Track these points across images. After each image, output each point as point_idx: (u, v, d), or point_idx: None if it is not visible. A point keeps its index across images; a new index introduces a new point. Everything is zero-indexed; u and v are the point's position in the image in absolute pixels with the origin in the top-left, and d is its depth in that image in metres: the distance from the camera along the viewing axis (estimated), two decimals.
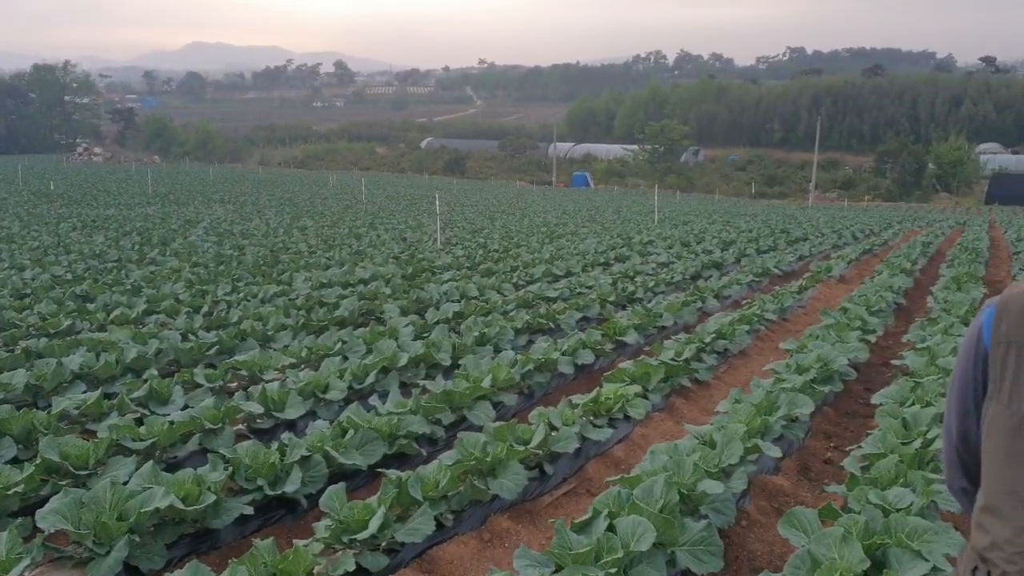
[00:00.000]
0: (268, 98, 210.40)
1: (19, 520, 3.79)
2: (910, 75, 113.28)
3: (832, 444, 5.95)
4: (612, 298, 10.86)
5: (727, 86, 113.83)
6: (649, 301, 11.04)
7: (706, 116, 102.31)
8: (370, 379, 6.49)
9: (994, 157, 70.69)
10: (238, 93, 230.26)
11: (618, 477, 4.27)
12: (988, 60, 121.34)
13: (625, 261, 15.89)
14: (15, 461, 4.70)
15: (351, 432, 4.97)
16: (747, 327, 8.91)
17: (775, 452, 4.97)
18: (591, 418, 5.68)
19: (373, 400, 5.91)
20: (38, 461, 4.31)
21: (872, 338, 8.49)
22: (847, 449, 5.44)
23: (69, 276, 12.33)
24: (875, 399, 6.18)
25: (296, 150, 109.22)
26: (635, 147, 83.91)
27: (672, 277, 13.08)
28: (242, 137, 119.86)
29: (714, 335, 8.14)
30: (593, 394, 5.93)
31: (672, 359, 7.10)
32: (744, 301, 11.58)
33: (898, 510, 3.78)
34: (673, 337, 8.33)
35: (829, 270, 14.25)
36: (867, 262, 17.47)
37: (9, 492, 4.00)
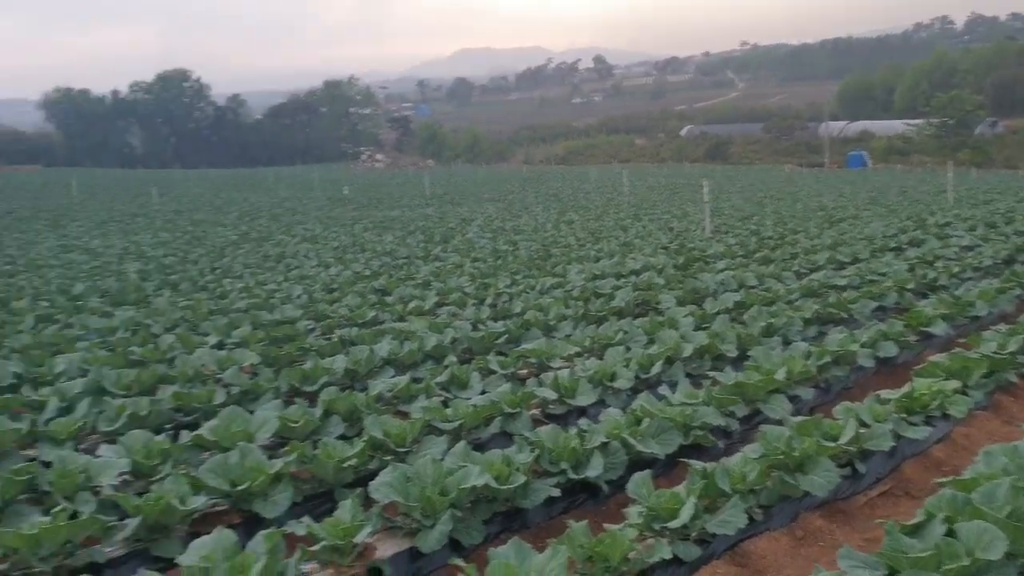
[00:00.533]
0: (530, 98, 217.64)
1: (358, 491, 4.13)
2: None
3: None
4: (910, 285, 9.97)
5: None
6: (955, 288, 10.00)
7: (1005, 83, 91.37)
8: (655, 369, 6.43)
9: None
10: (502, 95, 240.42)
11: (948, 479, 3.87)
12: None
13: (920, 245, 14.53)
14: (343, 437, 5.16)
15: (646, 421, 4.93)
16: None
17: None
18: (904, 415, 5.21)
19: (662, 390, 5.84)
20: (365, 438, 4.70)
21: None
22: None
23: (367, 272, 13.47)
24: None
25: (557, 147, 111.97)
26: (919, 121, 76.78)
27: (980, 262, 11.76)
28: (506, 138, 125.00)
29: None
30: (905, 389, 5.44)
31: (994, 352, 6.35)
32: None
33: None
34: (991, 328, 7.46)
35: None
36: None
37: (344, 465, 4.39)
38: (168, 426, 5.60)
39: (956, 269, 11.07)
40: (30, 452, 5.14)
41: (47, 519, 3.68)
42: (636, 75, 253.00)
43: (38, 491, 4.37)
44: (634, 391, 6.12)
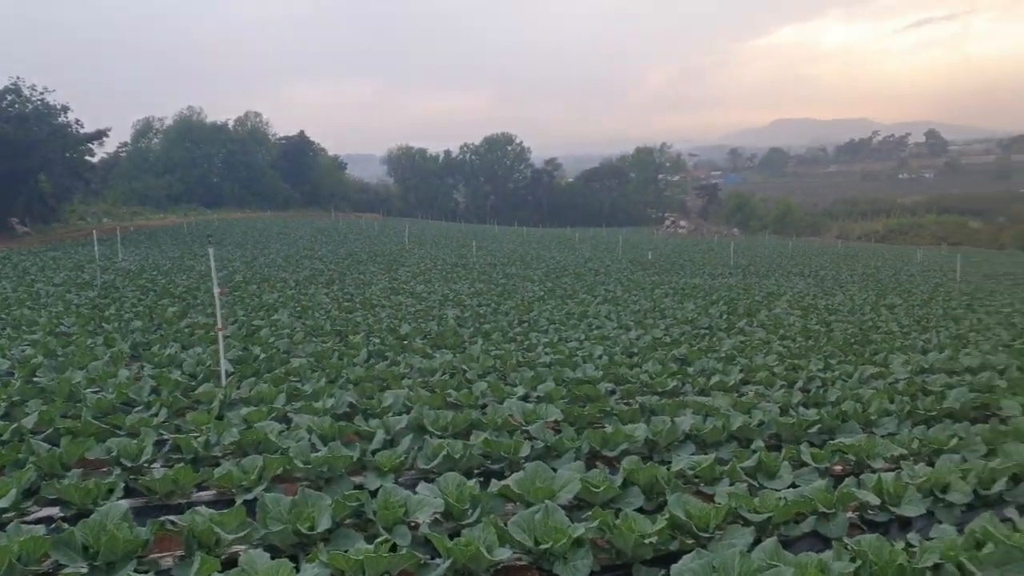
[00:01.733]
0: (850, 171, 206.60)
1: (660, 573, 4.02)
2: None
3: None
4: None
5: None
6: None
7: None
8: (998, 486, 5.65)
9: None
10: (819, 167, 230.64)
11: None
12: None
13: None
14: (640, 510, 5.07)
15: (989, 546, 4.31)
16: None
17: None
18: None
19: (1008, 512, 5.10)
20: (667, 516, 4.58)
21: None
22: None
23: (667, 339, 13.37)
24: None
25: (877, 224, 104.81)
26: None
27: None
28: (821, 210, 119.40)
29: None
30: None
31: None
32: None
33: None
34: None
35: None
36: None
37: (645, 541, 4.30)
38: (477, 471, 5.88)
39: None
40: (357, 479, 5.63)
41: (371, 547, 3.98)
42: (974, 152, 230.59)
43: (363, 518, 4.76)
44: (970, 508, 5.43)
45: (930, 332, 15.42)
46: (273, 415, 7.16)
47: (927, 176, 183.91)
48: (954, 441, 6.83)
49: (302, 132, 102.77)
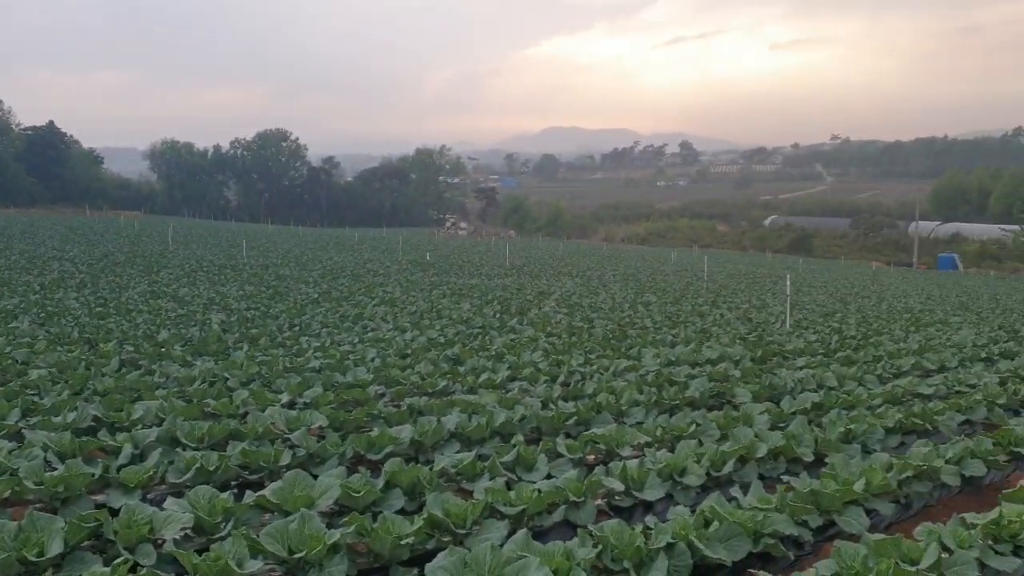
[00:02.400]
0: (614, 178, 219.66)
1: (414, 571, 4.08)
2: None
3: None
4: (1002, 401, 9.50)
5: None
6: None
7: None
8: (727, 467, 6.24)
9: None
10: (587, 173, 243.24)
11: None
12: None
13: (1013, 358, 13.90)
14: (402, 512, 5.12)
15: (715, 524, 4.77)
16: None
17: None
18: (991, 543, 4.90)
19: (734, 491, 5.65)
20: (425, 516, 4.65)
21: None
22: None
23: (442, 339, 13.56)
24: None
25: (638, 227, 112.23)
26: (1017, 228, 74.52)
27: None
28: (589, 214, 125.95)
29: None
30: (993, 515, 5.12)
31: None
32: None
33: None
34: None
35: None
36: None
37: (402, 542, 4.35)
38: (234, 483, 5.67)
39: None
40: (99, 498, 5.25)
41: (107, 570, 3.73)
42: (722, 162, 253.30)
43: (103, 539, 4.44)
44: (704, 489, 5.96)
45: (679, 327, 16.73)
46: (3, 433, 6.50)
47: (682, 183, 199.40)
48: (692, 428, 7.46)
49: (51, 123, 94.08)
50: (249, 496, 5.03)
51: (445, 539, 4.63)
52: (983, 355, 14.09)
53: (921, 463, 6.30)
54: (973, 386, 10.67)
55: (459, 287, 25.48)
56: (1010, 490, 5.93)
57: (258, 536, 4.19)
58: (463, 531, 4.71)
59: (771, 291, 29.75)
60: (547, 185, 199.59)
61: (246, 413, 7.41)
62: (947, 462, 6.57)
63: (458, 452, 6.54)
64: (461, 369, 10.52)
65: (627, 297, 24.54)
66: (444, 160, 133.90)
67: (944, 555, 4.52)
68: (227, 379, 9.15)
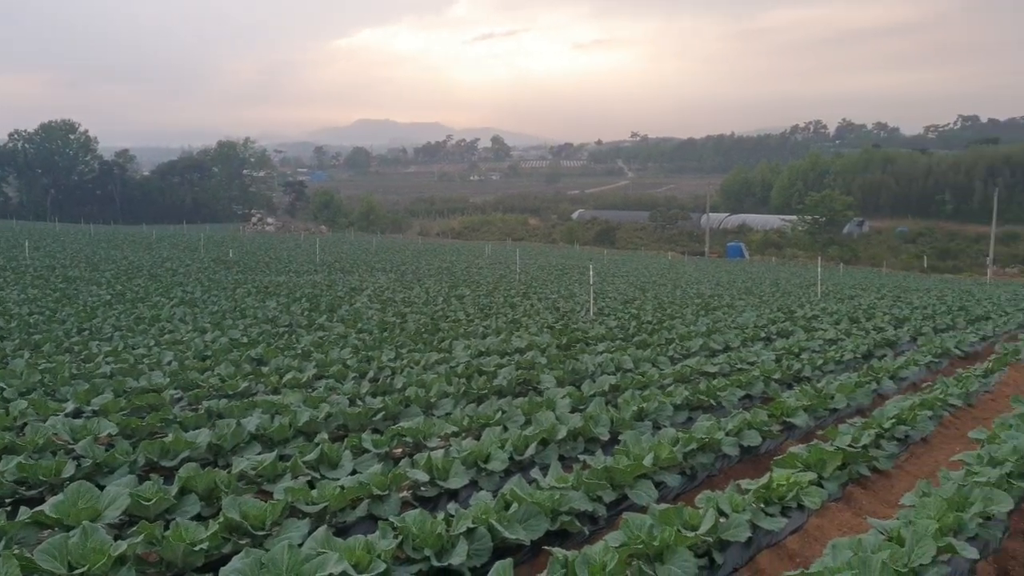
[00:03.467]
0: (428, 172, 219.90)
1: None
2: None
3: None
4: (776, 376, 10.42)
5: (893, 155, 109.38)
6: (818, 380, 10.51)
7: (870, 186, 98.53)
8: (530, 451, 6.47)
9: None
10: (400, 167, 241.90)
11: (798, 572, 4.00)
12: None
13: (788, 336, 15.27)
14: (199, 518, 4.94)
15: (515, 506, 4.93)
16: (929, 413, 8.29)
17: (971, 553, 4.52)
18: (762, 505, 5.39)
19: (534, 473, 5.88)
20: (220, 520, 4.51)
21: None
22: None
23: (245, 340, 13.10)
24: None
25: (453, 221, 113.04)
26: (793, 218, 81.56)
27: (841, 355, 12.43)
28: (403, 209, 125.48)
29: (894, 420, 7.62)
30: (764, 480, 5.64)
31: (849, 445, 6.67)
32: (924, 384, 10.83)
33: None
34: (847, 421, 7.86)
35: (1017, 353, 13.13)
36: None
37: (195, 548, 4.19)
38: (9, 499, 5.24)
39: (820, 361, 11.65)
40: None
41: None
42: (532, 158, 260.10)
43: None
44: (508, 473, 6.13)
45: (491, 318, 17.06)
46: None
47: (494, 178, 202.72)
48: (498, 415, 7.66)
49: None
50: (25, 513, 4.67)
51: (243, 542, 4.51)
52: (763, 335, 15.34)
53: (704, 436, 6.81)
54: (752, 363, 11.61)
55: (266, 285, 24.66)
56: (780, 456, 6.54)
57: (32, 554, 3.90)
58: (262, 533, 4.61)
59: (578, 281, 30.90)
60: (359, 179, 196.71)
61: (24, 424, 6.85)
62: (727, 434, 7.13)
63: (260, 454, 6.37)
64: (265, 369, 10.22)
65: (441, 291, 24.70)
66: (249, 153, 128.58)
67: (721, 519, 4.93)
68: (3, 389, 8.40)
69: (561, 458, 6.70)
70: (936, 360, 12.55)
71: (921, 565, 4.21)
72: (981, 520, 5.12)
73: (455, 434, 7.14)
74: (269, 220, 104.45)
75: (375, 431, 7.38)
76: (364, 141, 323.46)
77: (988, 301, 27.04)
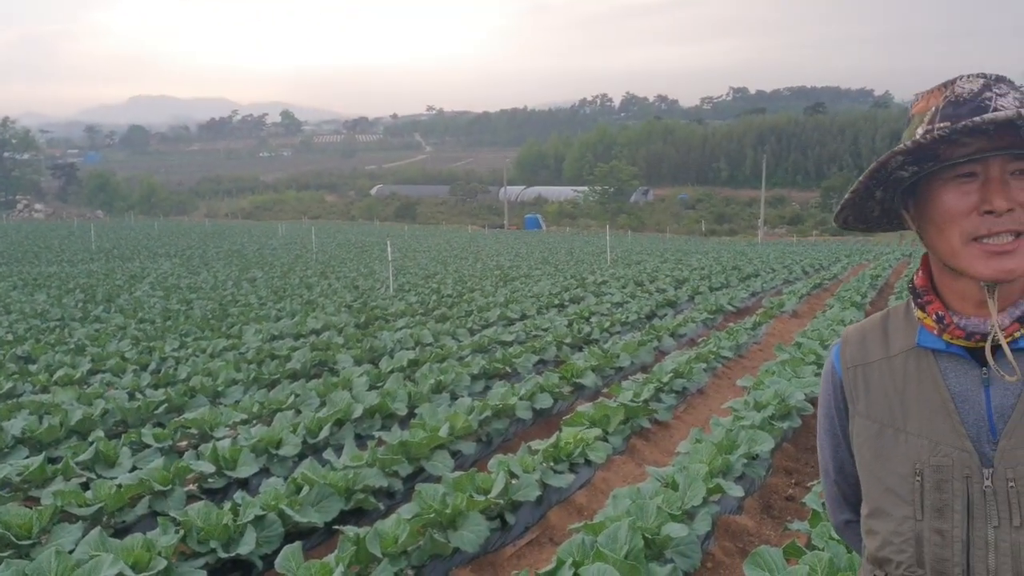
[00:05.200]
0: (214, 149, 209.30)
1: None
2: (850, 112, 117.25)
3: (793, 480, 5.95)
4: (568, 340, 10.85)
5: (673, 127, 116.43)
6: (605, 342, 11.05)
7: (654, 156, 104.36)
8: (324, 433, 6.34)
9: None
10: (183, 145, 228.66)
11: (581, 524, 4.20)
12: None
13: (580, 302, 15.94)
14: None
15: (306, 489, 4.83)
16: (704, 365, 8.95)
17: (737, 491, 4.95)
18: (551, 464, 5.60)
19: (328, 454, 5.78)
20: None
21: None
22: (808, 485, 5.45)
23: (10, 337, 11.94)
24: None
25: (243, 201, 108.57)
26: (585, 188, 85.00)
27: (627, 317, 13.14)
28: (187, 189, 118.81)
29: (672, 374, 8.15)
30: (552, 439, 5.87)
31: (631, 400, 7.07)
32: (700, 339, 11.67)
33: None
34: (631, 377, 8.33)
35: (781, 305, 14.45)
36: (818, 296, 17.77)
37: None
38: None
39: (607, 324, 12.25)
40: None
41: None
42: (325, 132, 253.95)
43: None
44: (301, 457, 5.99)
45: (285, 301, 16.56)
46: None
47: (286, 154, 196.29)
48: (292, 399, 7.45)
49: None
50: None
51: (6, 554, 4.12)
52: (556, 302, 15.92)
53: (499, 403, 6.97)
54: (547, 330, 12.02)
55: (34, 277, 22.58)
56: (568, 416, 6.83)
57: None
58: (28, 542, 4.24)
59: (379, 258, 30.62)
60: (137, 159, 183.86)
61: None
62: (521, 399, 7.34)
63: (27, 458, 5.84)
64: (33, 367, 9.37)
65: (231, 275, 23.66)
66: (10, 134, 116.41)
67: (513, 481, 5.07)
68: None
69: (358, 437, 6.64)
70: (711, 316, 13.55)
71: (693, 506, 4.54)
72: (747, 460, 5.61)
73: (244, 422, 6.88)
74: (37, 207, 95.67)
75: (158, 425, 6.97)
76: (141, 119, 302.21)
77: (758, 260, 29.55)
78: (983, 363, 1.25)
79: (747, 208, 77.73)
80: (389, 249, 19.57)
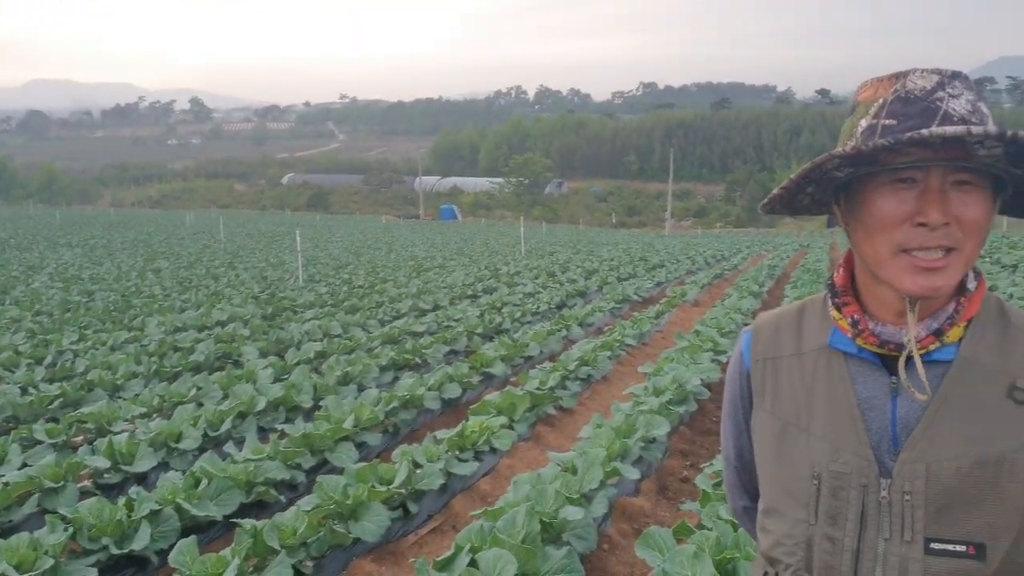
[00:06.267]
0: (119, 136, 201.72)
1: None
2: (754, 107, 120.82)
3: (688, 463, 6.16)
4: (479, 330, 10.92)
5: (586, 120, 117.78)
6: (516, 332, 11.17)
7: (567, 149, 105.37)
8: (226, 426, 6.25)
9: None
10: (86, 131, 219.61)
11: (481, 510, 4.27)
12: (823, 92, 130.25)
13: (492, 293, 16.03)
14: None
15: (205, 482, 4.77)
16: (609, 353, 9.14)
17: (634, 474, 5.10)
18: (456, 452, 5.67)
19: (229, 447, 5.72)
20: None
21: (723, 358, 8.86)
22: (702, 467, 5.65)
23: None
24: None
25: (151, 189, 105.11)
26: (500, 180, 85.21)
27: (538, 307, 13.29)
28: (91, 177, 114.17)
29: (577, 362, 8.31)
30: (458, 428, 5.93)
31: (537, 388, 7.19)
32: (606, 328, 11.90)
33: None
34: (539, 366, 8.46)
35: (684, 295, 14.85)
36: (719, 286, 18.30)
37: None
38: None
39: (518, 314, 12.38)
40: None
41: None
42: (236, 120, 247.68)
43: None
44: (202, 451, 5.90)
45: (190, 291, 16.14)
46: None
47: (195, 142, 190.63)
48: (193, 392, 7.31)
49: None
50: None
51: None
52: (470, 292, 15.98)
53: (406, 394, 7.00)
54: (458, 320, 12.07)
55: None
56: (476, 405, 6.90)
57: None
58: None
59: (289, 249, 30.07)
60: (37, 145, 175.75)
61: None
62: (429, 389, 7.38)
63: None
64: None
65: (136, 265, 22.91)
66: None
67: (417, 471, 5.12)
68: None
69: (261, 430, 6.57)
70: (618, 306, 13.83)
71: (591, 490, 4.67)
72: (644, 444, 5.78)
73: (144, 415, 6.72)
74: None
75: (52, 420, 6.75)
76: (40, 103, 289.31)
77: (665, 251, 30.22)
78: (893, 372, 1.21)
79: (655, 201, 79.29)
80: (298, 239, 19.27)
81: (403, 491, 4.81)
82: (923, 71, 1.13)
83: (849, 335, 1.24)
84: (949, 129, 1.02)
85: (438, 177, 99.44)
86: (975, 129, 1.00)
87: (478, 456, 5.82)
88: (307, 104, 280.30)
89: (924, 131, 1.03)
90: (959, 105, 1.08)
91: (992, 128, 1.01)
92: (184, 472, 5.28)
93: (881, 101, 1.13)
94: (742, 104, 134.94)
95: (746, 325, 1.48)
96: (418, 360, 9.17)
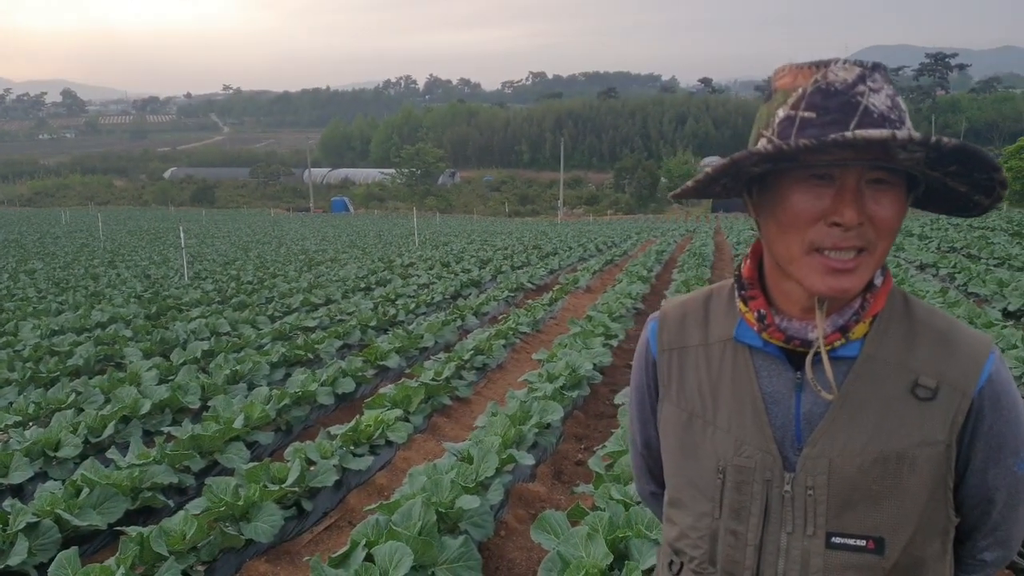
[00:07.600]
0: None
1: None
2: (640, 96, 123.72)
3: (583, 446, 6.29)
4: (373, 323, 10.82)
5: (477, 110, 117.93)
6: (411, 323, 11.12)
7: (459, 139, 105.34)
8: (109, 431, 6.01)
9: None
10: None
11: (377, 504, 4.25)
12: (705, 81, 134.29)
13: (386, 285, 15.89)
14: None
15: (87, 491, 4.58)
16: (503, 341, 9.22)
17: (530, 460, 5.18)
18: (351, 448, 5.62)
19: (112, 453, 5.49)
20: None
21: (615, 343, 9.08)
22: (595, 449, 5.78)
23: None
24: (618, 399, 6.62)
25: (21, 187, 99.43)
26: (392, 171, 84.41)
27: (432, 298, 13.26)
28: None
29: (473, 351, 8.35)
30: (352, 423, 5.87)
31: (432, 379, 7.19)
32: (501, 316, 11.98)
33: (637, 503, 4.05)
34: (434, 357, 8.46)
35: (576, 281, 15.10)
36: (610, 272, 18.69)
37: None
38: None
39: (413, 306, 12.33)
40: None
41: None
42: (113, 113, 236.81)
43: None
44: (83, 458, 5.64)
45: (67, 293, 15.38)
46: None
47: (69, 136, 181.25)
48: (72, 397, 6.98)
49: None
50: None
51: None
52: (363, 285, 15.80)
53: (298, 390, 6.88)
54: (351, 313, 11.93)
55: None
56: (371, 398, 6.85)
57: None
58: None
59: (173, 245, 29.02)
60: None
61: None
62: (322, 385, 7.27)
63: None
64: None
65: (7, 266, 21.64)
66: None
67: (310, 468, 5.05)
68: None
69: (147, 433, 6.34)
70: (512, 294, 13.95)
71: (487, 478, 4.71)
72: (539, 430, 5.88)
73: (19, 424, 6.39)
74: None
75: None
76: None
77: (557, 239, 30.62)
78: (798, 367, 1.21)
79: (548, 190, 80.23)
80: (182, 235, 18.60)
81: (297, 489, 4.74)
82: (844, 62, 1.09)
83: (755, 328, 1.23)
84: (875, 133, 0.98)
85: (328, 169, 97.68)
86: (900, 135, 0.98)
87: (374, 450, 5.78)
88: (189, 96, 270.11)
89: (848, 134, 0.99)
90: (879, 100, 1.06)
91: (916, 134, 0.99)
92: (64, 481, 5.05)
93: (800, 91, 1.09)
94: (628, 93, 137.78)
95: (652, 314, 1.43)
96: (310, 356, 9.02)
